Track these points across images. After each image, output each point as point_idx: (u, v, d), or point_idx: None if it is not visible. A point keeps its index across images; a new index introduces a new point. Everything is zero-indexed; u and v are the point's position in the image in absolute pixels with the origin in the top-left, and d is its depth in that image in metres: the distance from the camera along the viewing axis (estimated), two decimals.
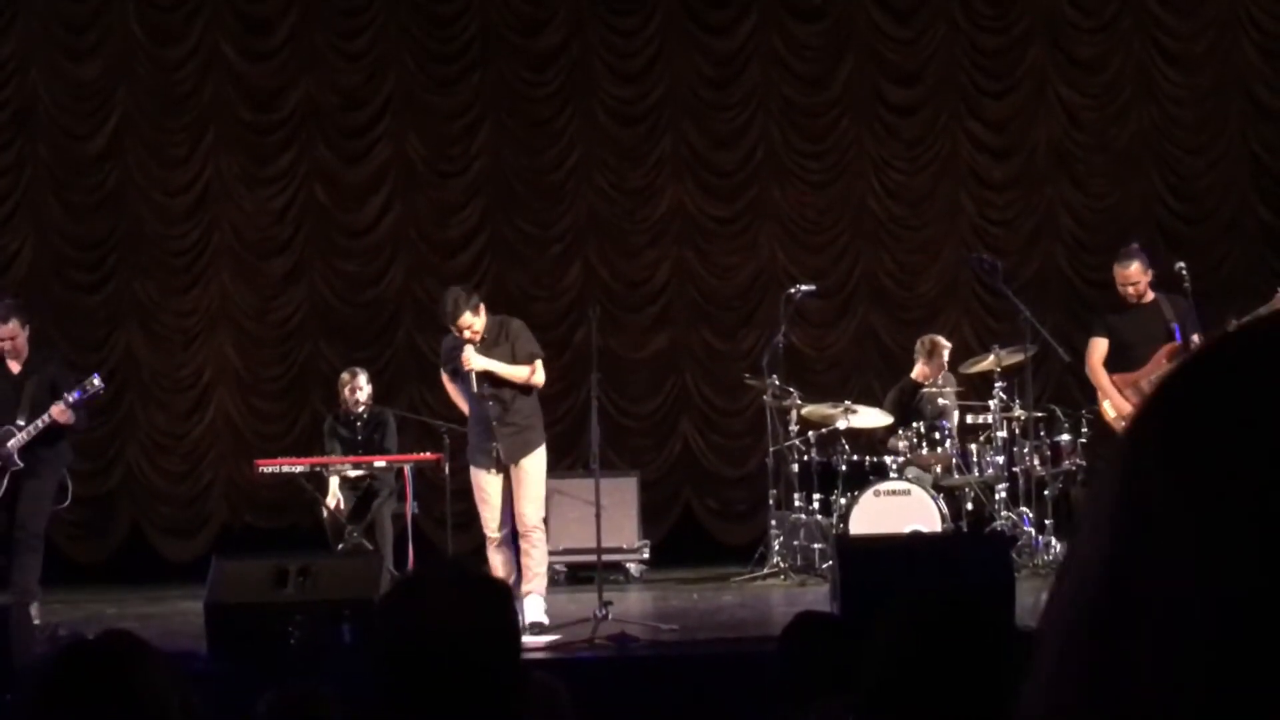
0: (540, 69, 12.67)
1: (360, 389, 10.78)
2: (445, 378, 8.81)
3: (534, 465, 8.42)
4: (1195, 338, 9.24)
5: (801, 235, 12.70)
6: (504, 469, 8.43)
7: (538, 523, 8.39)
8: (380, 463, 10.37)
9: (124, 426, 12.36)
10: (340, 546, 10.07)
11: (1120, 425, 9.28)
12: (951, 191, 12.64)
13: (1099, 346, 9.50)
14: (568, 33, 12.64)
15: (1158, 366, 9.19)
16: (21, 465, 9.28)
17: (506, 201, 12.62)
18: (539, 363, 8.49)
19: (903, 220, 12.68)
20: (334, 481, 10.51)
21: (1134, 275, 9.37)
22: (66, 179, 12.51)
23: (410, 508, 10.25)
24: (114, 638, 2.77)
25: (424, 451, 10.43)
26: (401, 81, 12.63)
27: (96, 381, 9.43)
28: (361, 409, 10.78)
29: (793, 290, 11.19)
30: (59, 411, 9.20)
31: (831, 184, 12.69)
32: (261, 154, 12.62)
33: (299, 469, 10.28)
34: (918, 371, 10.98)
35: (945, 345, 10.95)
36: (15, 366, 9.46)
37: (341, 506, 10.42)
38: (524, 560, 8.31)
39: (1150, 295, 9.41)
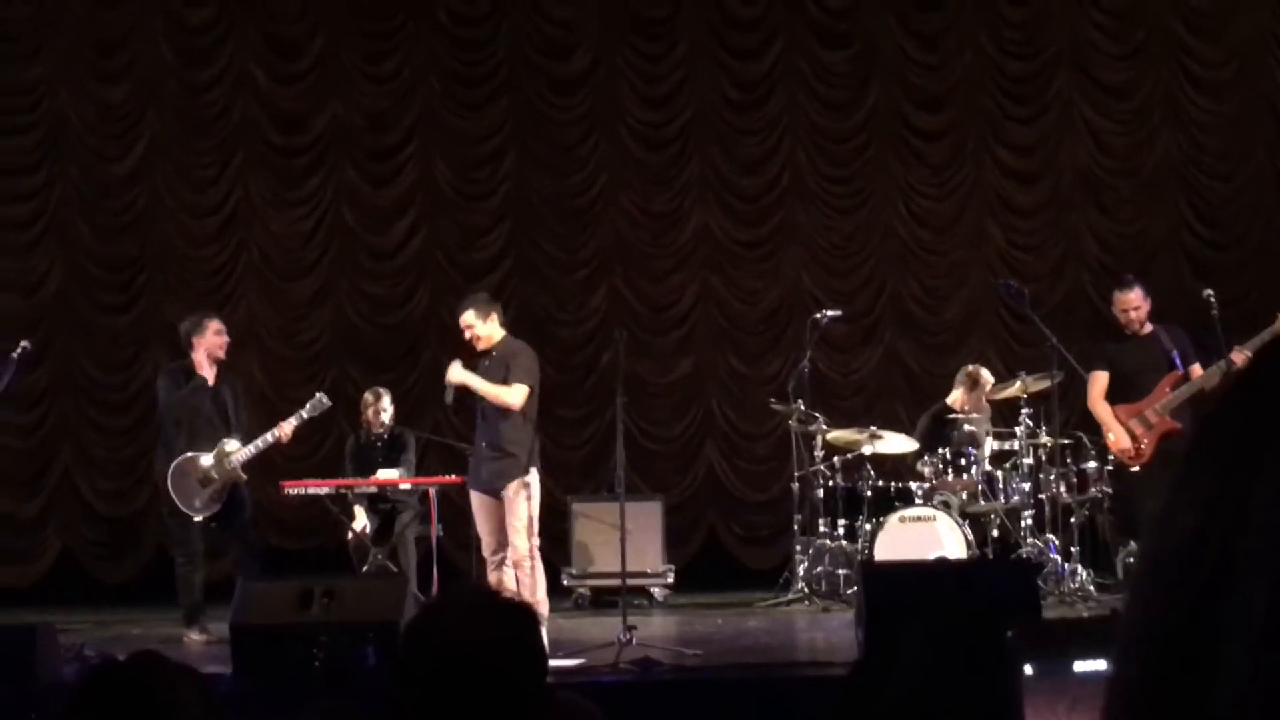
0: (567, 93, 12.70)
1: (384, 410, 10.82)
2: None
3: (516, 495, 8.39)
4: (1195, 367, 9.24)
5: (827, 260, 12.70)
6: (490, 494, 8.49)
7: (526, 553, 8.38)
8: (404, 485, 10.38)
9: (150, 447, 12.33)
10: (364, 568, 10.08)
11: (1126, 457, 9.31)
12: (978, 217, 12.62)
13: (1100, 380, 9.51)
14: (594, 57, 12.68)
15: (1161, 395, 9.21)
16: (245, 479, 9.45)
17: (532, 225, 12.64)
18: (519, 388, 8.44)
19: (929, 245, 12.66)
20: (360, 505, 10.55)
21: (1135, 300, 9.41)
22: (95, 200, 12.57)
23: (434, 530, 10.25)
24: (145, 659, 2.78)
25: (448, 474, 10.44)
26: (428, 105, 12.67)
27: (325, 400, 9.70)
28: (383, 430, 10.81)
29: (818, 315, 11.17)
30: (287, 431, 9.43)
31: (858, 209, 12.69)
32: (289, 176, 12.67)
33: (324, 490, 10.31)
34: (955, 399, 10.82)
35: (989, 380, 10.78)
36: (211, 376, 9.52)
37: (367, 530, 10.44)
38: (519, 590, 8.22)
39: (1149, 327, 9.44)
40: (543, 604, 8.36)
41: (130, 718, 2.55)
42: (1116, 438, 9.31)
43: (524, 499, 8.38)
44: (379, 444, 10.79)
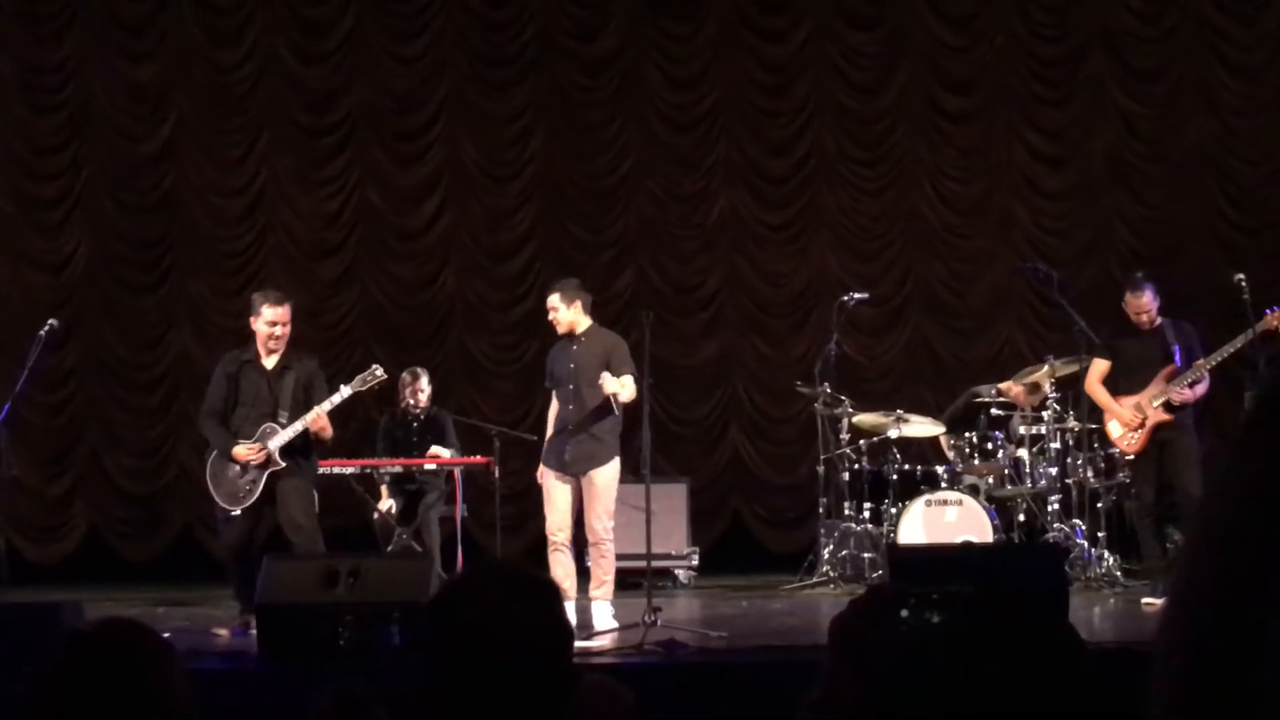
0: (594, 74, 12.67)
1: (423, 390, 10.82)
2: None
3: (603, 479, 8.56)
4: (1200, 362, 9.26)
5: (854, 243, 12.64)
6: (573, 476, 8.56)
7: (605, 535, 8.56)
8: (430, 465, 10.38)
9: (176, 426, 12.42)
10: (389, 548, 10.09)
11: (1124, 444, 9.30)
12: (1006, 201, 12.55)
13: (1099, 367, 9.57)
14: (622, 38, 12.63)
15: (1157, 388, 9.23)
16: (283, 465, 8.66)
17: (559, 206, 12.62)
18: (631, 380, 8.56)
19: (956, 229, 12.60)
20: (384, 485, 10.56)
21: (1147, 304, 9.40)
22: (122, 180, 12.59)
23: (460, 510, 10.24)
24: (116, 626, 2.76)
25: (474, 455, 10.44)
26: (456, 85, 12.65)
27: (379, 373, 9.10)
28: (419, 410, 10.81)
29: (845, 298, 11.13)
30: (319, 424, 8.71)
31: (885, 192, 12.62)
32: (316, 157, 12.67)
33: (350, 470, 10.32)
34: (1009, 387, 10.70)
35: (1046, 391, 10.54)
36: (269, 361, 8.86)
37: (393, 510, 10.44)
38: (592, 568, 8.59)
39: (1157, 321, 9.42)
40: (609, 585, 8.57)
41: (107, 682, 2.52)
42: (1118, 417, 9.33)
43: (611, 483, 8.57)
44: (414, 424, 10.79)
